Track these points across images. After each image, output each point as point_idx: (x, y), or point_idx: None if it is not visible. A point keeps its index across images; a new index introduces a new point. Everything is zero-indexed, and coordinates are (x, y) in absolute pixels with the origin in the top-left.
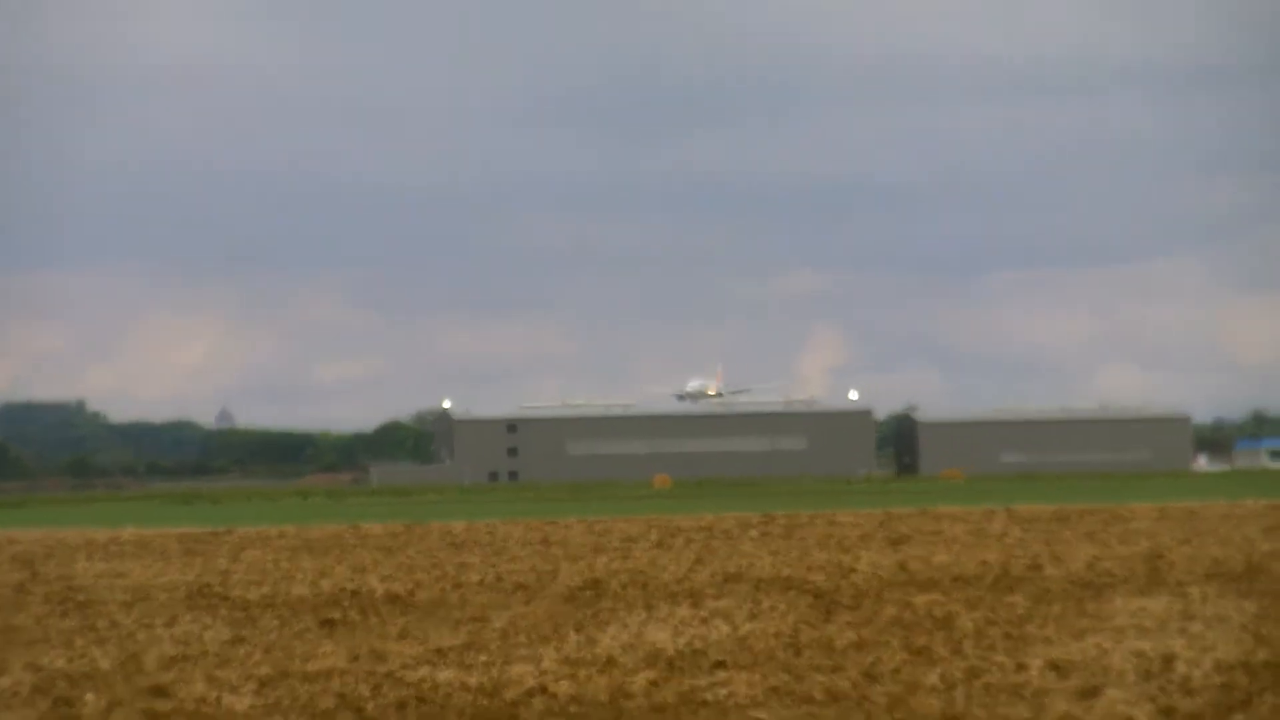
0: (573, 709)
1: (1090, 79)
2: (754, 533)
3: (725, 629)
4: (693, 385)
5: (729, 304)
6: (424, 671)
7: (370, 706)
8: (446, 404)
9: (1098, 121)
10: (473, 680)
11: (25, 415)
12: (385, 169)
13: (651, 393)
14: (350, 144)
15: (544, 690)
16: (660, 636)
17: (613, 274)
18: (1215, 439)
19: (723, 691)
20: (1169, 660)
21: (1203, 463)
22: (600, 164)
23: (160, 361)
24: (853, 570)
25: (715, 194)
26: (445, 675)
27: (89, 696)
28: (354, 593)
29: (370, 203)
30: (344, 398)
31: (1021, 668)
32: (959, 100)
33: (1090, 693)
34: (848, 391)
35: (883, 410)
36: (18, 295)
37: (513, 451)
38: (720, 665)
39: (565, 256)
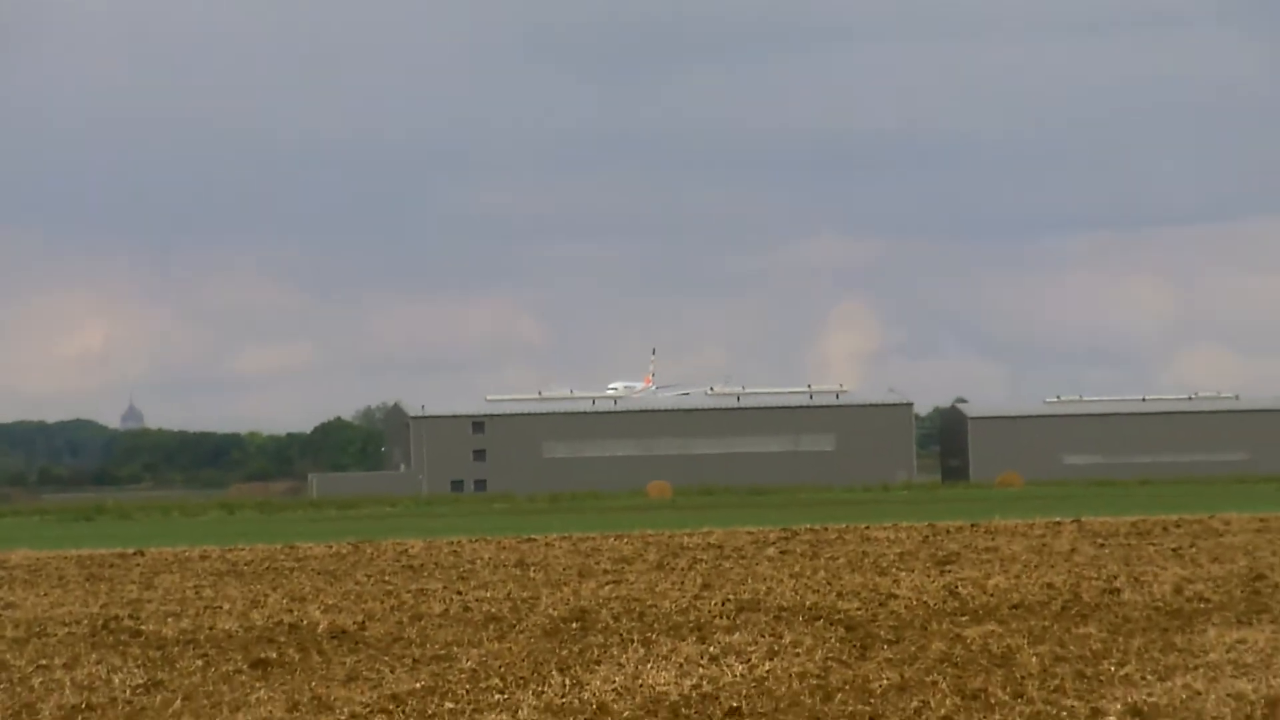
0: None
1: (1172, 8)
2: (772, 551)
3: (739, 669)
4: (615, 387)
5: (732, 276)
6: None
7: None
8: (399, 399)
9: (1181, 57)
10: None
11: None
12: (317, 117)
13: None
14: (276, 86)
15: None
16: (661, 678)
17: (590, 241)
18: None
19: None
20: (1274, 704)
21: None
22: (574, 110)
23: (49, 348)
24: (892, 596)
25: (714, 146)
26: None
27: None
28: (292, 627)
29: (299, 156)
30: (274, 391)
31: (1097, 713)
32: (1017, 33)
33: None
34: (881, 381)
35: (924, 404)
36: None
37: (479, 455)
38: (734, 713)
39: (531, 221)
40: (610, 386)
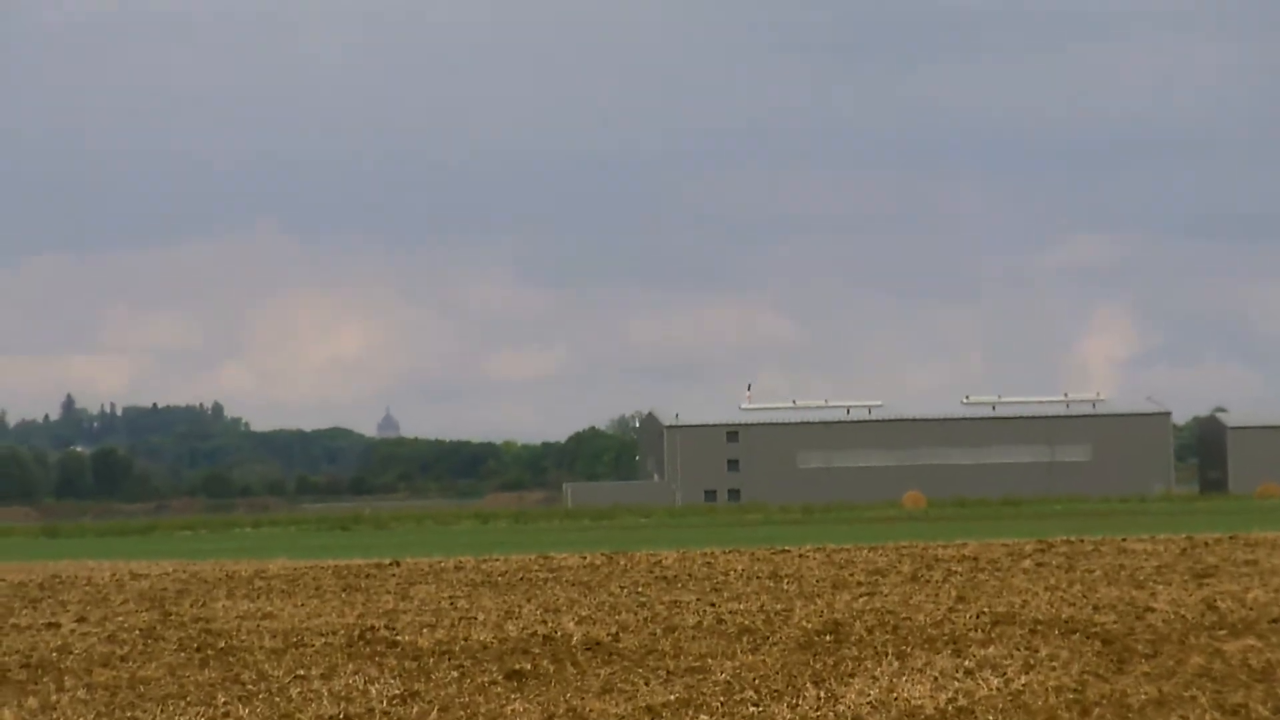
0: None
1: None
2: (1028, 564)
3: (995, 682)
4: None
5: (986, 278)
6: None
7: None
8: (653, 407)
9: None
10: None
11: (150, 422)
12: (560, 120)
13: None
14: (518, 90)
15: None
16: (916, 691)
17: (841, 242)
18: None
19: None
20: None
21: None
22: (819, 106)
23: (307, 357)
24: (1149, 610)
25: (966, 142)
26: None
27: None
28: (546, 638)
29: (543, 161)
30: (527, 398)
31: None
32: (1274, 24)
33: None
34: (1140, 388)
35: (1183, 413)
36: (130, 279)
37: (733, 465)
38: None
39: (780, 220)
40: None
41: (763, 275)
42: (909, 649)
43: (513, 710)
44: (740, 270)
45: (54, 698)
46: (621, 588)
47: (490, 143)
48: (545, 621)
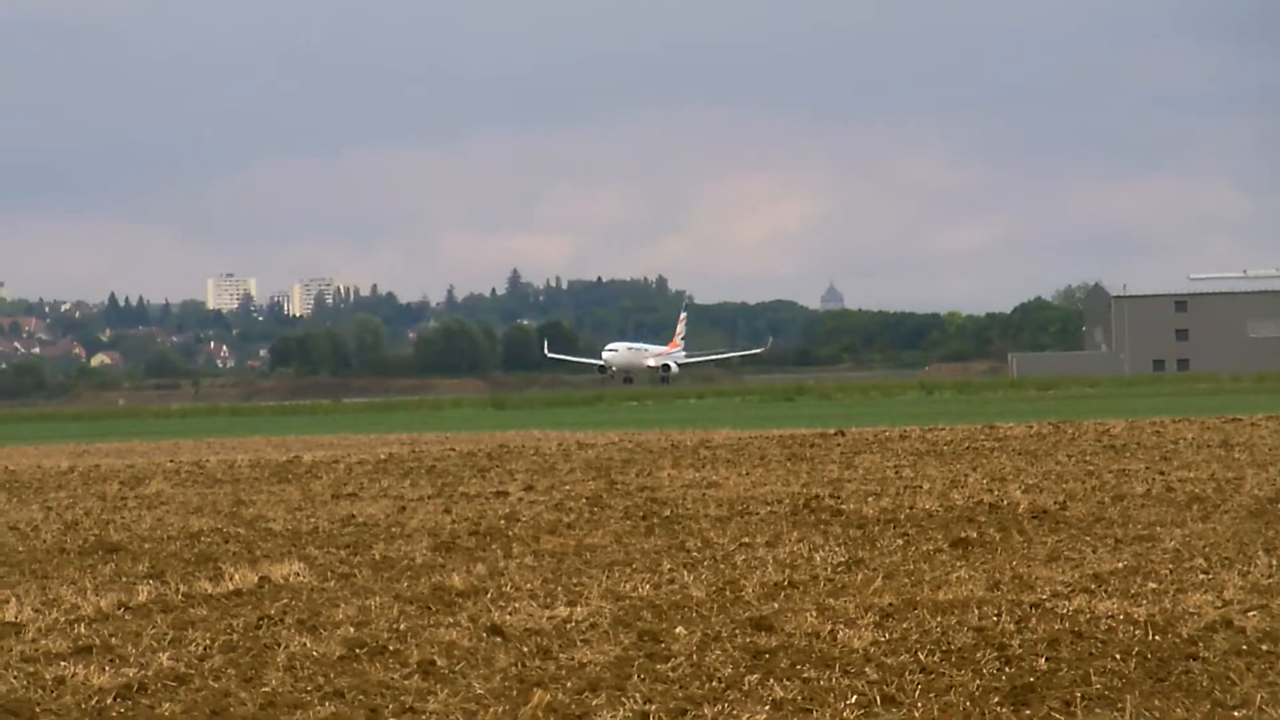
0: (1265, 647)
1: None
2: None
3: None
4: (614, 349)
5: None
6: (1079, 601)
7: (1016, 643)
8: (1099, 278)
9: None
10: (1140, 612)
11: (594, 295)
12: None
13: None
14: None
15: (1228, 624)
16: None
17: None
18: None
19: None
20: None
21: None
22: None
23: (746, 231)
24: None
25: None
26: (1105, 606)
27: (680, 630)
28: (992, 506)
29: (982, 35)
30: (971, 270)
31: None
32: None
33: None
34: None
35: None
36: (570, 156)
37: (1182, 334)
38: None
39: (1229, 94)
40: (609, 349)
41: (1209, 148)
42: None
43: (957, 578)
44: (1185, 143)
45: (502, 564)
46: (1069, 456)
47: (926, 17)
48: (991, 490)
